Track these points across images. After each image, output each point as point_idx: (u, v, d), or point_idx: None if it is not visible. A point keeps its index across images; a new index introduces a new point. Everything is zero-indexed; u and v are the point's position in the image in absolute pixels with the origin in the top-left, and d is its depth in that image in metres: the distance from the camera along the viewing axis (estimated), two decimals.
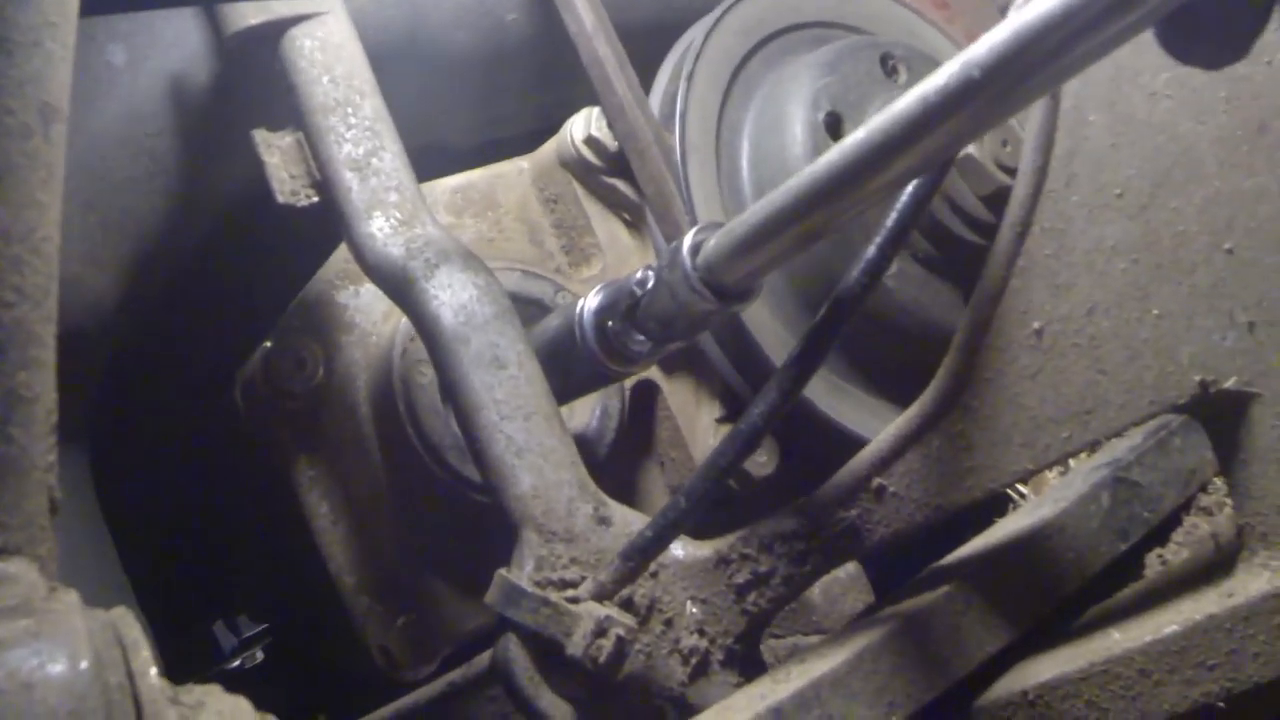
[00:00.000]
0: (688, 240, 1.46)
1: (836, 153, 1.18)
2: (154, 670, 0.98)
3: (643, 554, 1.46)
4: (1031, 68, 0.98)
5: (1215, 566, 1.58)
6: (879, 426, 1.66)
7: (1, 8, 1.07)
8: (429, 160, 1.84)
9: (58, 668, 0.93)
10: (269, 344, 1.90)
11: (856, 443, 1.68)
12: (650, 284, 1.53)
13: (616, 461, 1.95)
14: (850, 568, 1.88)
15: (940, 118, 1.06)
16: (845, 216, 1.26)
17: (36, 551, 1.04)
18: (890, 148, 1.12)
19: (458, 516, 1.89)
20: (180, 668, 1.00)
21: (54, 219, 1.10)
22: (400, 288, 1.62)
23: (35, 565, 1.03)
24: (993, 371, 1.52)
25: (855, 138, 1.15)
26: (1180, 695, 1.51)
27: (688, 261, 1.44)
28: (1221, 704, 1.50)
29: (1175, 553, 1.90)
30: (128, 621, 1.03)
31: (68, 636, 0.96)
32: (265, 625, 2.87)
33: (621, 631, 1.42)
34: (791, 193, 1.25)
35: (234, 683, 1.10)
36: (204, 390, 2.06)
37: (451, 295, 1.58)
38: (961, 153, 1.68)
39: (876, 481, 1.56)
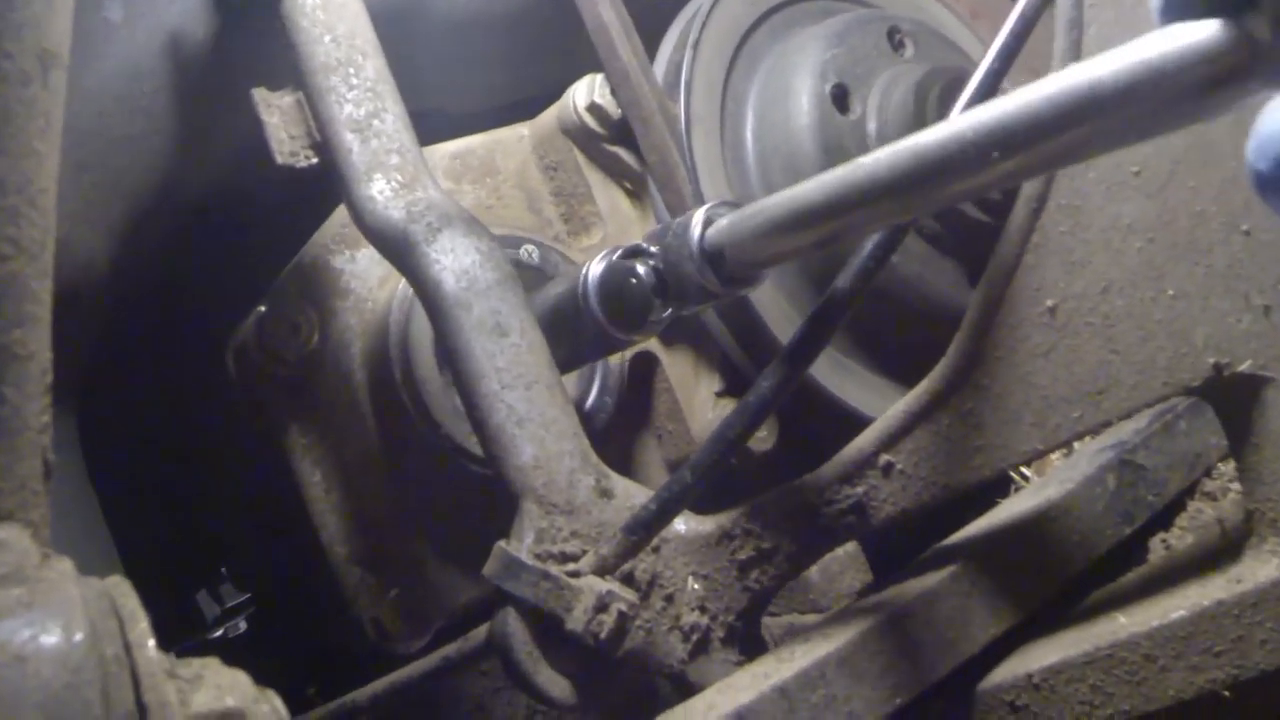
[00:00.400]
0: (699, 216, 1.44)
1: (885, 157, 1.11)
2: (151, 642, 0.96)
3: (646, 528, 1.43)
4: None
5: (1222, 552, 1.58)
6: (881, 404, 1.65)
7: None
8: (429, 125, 1.82)
9: (52, 639, 0.91)
10: (263, 308, 1.87)
11: (858, 420, 1.68)
12: (655, 255, 1.51)
13: (614, 433, 1.94)
14: (849, 546, 1.87)
15: (1007, 150, 1.01)
16: (880, 224, 1.23)
17: (29, 517, 1.01)
18: (945, 169, 1.06)
19: (453, 487, 1.87)
20: (162, 636, 0.97)
21: (52, 170, 1.07)
22: (400, 252, 1.59)
23: (28, 532, 1.01)
24: (1004, 349, 1.50)
25: (917, 142, 1.07)
26: (1186, 681, 1.50)
27: (696, 239, 1.42)
28: (1227, 691, 1.49)
29: (1179, 537, 1.89)
30: (124, 590, 1.00)
31: (62, 606, 0.93)
32: (249, 595, 2.86)
33: (623, 607, 1.40)
34: (823, 190, 1.21)
35: (217, 652, 1.08)
36: (196, 354, 2.04)
37: (453, 260, 1.55)
38: None
39: (884, 458, 1.54)
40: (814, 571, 1.86)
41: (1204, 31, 0.78)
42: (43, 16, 1.06)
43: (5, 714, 0.86)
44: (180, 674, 0.98)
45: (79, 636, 0.91)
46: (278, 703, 1.04)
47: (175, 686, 0.95)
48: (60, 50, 1.08)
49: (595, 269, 1.60)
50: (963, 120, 1.01)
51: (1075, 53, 1.50)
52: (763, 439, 1.92)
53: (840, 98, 1.94)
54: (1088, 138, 0.91)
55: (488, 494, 1.77)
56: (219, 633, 2.87)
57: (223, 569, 2.76)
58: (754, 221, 1.35)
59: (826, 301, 1.44)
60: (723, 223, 1.41)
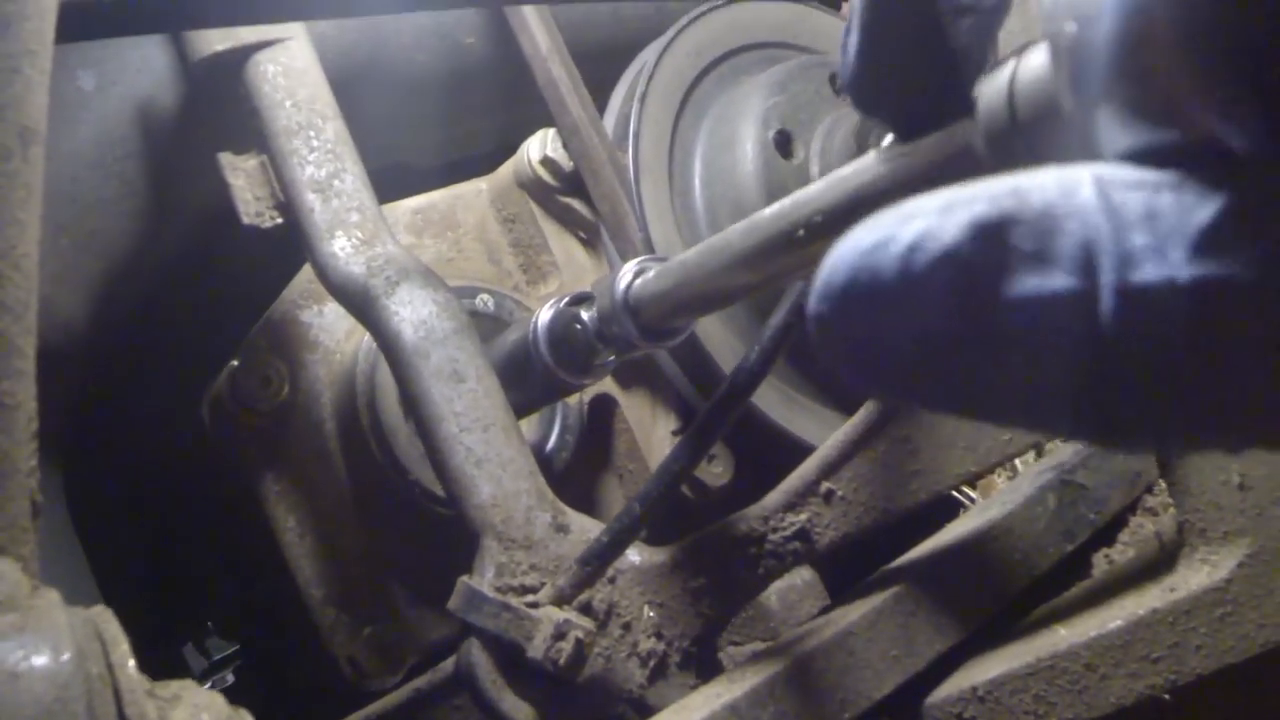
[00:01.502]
0: (626, 272, 1.50)
1: (761, 219, 1.15)
2: (132, 663, 1.02)
3: (600, 559, 1.49)
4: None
5: (1159, 564, 1.63)
6: (829, 435, 1.70)
7: None
8: (391, 181, 1.88)
9: (42, 659, 0.98)
10: (235, 362, 1.93)
11: (808, 451, 1.72)
12: (591, 307, 1.58)
13: (576, 474, 1.99)
14: (806, 573, 1.91)
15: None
16: (769, 284, 1.27)
17: (20, 552, 1.08)
18: (771, 247, 1.13)
19: (421, 529, 1.93)
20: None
21: (33, 236, 1.14)
22: (362, 305, 1.65)
23: (19, 565, 1.07)
24: None
25: (778, 209, 1.12)
26: (1125, 688, 1.55)
27: (620, 294, 1.48)
28: (1166, 695, 1.54)
29: (1121, 552, 1.95)
30: (106, 618, 1.07)
31: (51, 631, 1.00)
32: (235, 647, 2.90)
33: (580, 634, 1.45)
34: (714, 252, 1.26)
35: None
36: (172, 408, 2.09)
37: (412, 311, 1.61)
38: None
39: (825, 486, 1.60)
40: (774, 599, 1.90)
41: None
42: (23, 97, 1.13)
43: None
44: (159, 694, 1.05)
45: (66, 657, 0.98)
46: None
47: (155, 705, 1.02)
48: (39, 127, 1.15)
49: (544, 316, 1.65)
50: (783, 202, 1.08)
51: None
52: (719, 474, 1.98)
53: (783, 144, 2.00)
54: None
55: (454, 534, 1.82)
56: (206, 686, 2.89)
57: (208, 623, 2.79)
58: (665, 279, 1.41)
59: (764, 335, 1.50)
60: (648, 276, 1.46)
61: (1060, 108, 0.63)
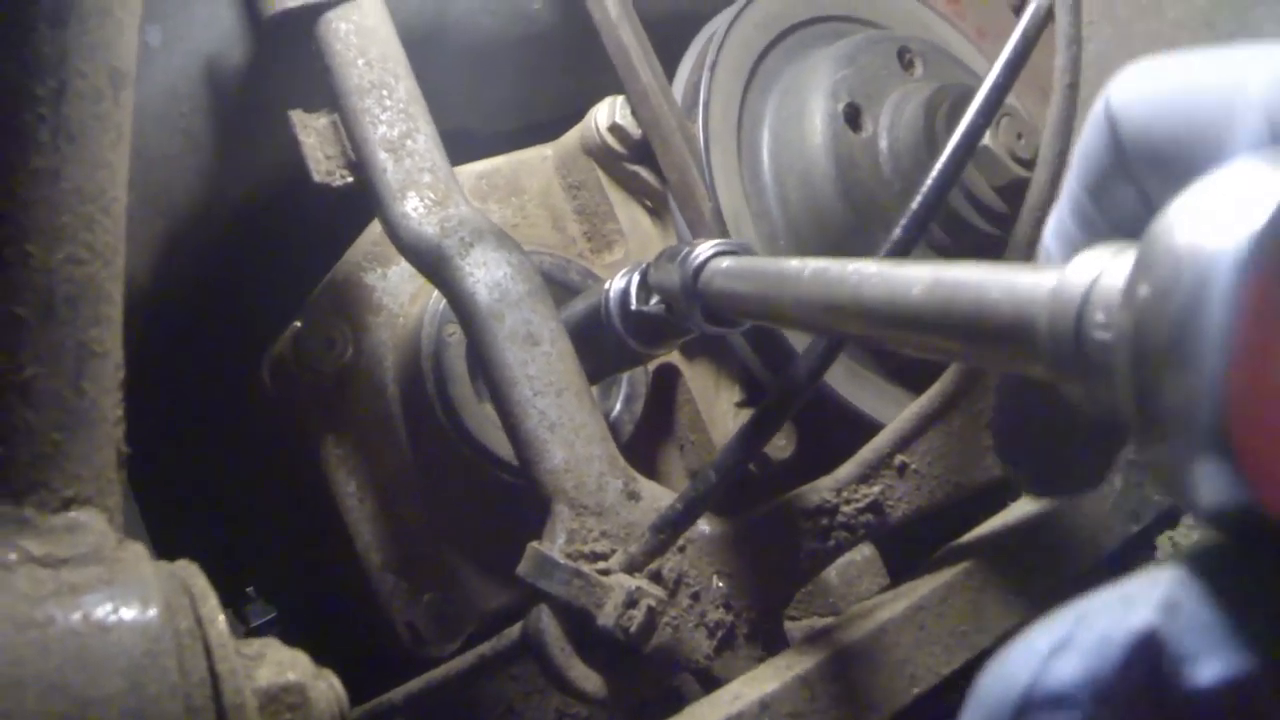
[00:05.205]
0: (699, 254, 1.46)
1: (873, 280, 1.00)
2: (221, 618, 1.01)
3: (673, 527, 1.49)
4: None
5: None
6: (895, 412, 1.69)
7: None
8: (454, 146, 1.86)
9: (131, 612, 0.97)
10: (298, 323, 1.92)
11: (873, 427, 1.71)
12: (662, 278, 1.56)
13: (638, 443, 1.98)
14: (866, 550, 1.90)
15: None
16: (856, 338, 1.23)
17: (106, 503, 1.07)
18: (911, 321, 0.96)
19: (483, 495, 1.92)
20: None
21: (122, 180, 1.13)
22: (435, 266, 1.64)
23: (105, 516, 1.06)
24: None
25: (906, 282, 0.94)
26: None
27: (689, 276, 1.46)
28: None
29: (1186, 535, 1.93)
30: (193, 572, 1.06)
31: (138, 583, 0.99)
32: (274, 614, 2.89)
33: (652, 602, 1.45)
34: (785, 280, 1.21)
35: None
36: (232, 368, 2.08)
37: (486, 273, 1.60)
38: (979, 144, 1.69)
39: (899, 459, 1.59)
40: (833, 576, 1.89)
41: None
42: (114, 39, 1.11)
43: (92, 678, 0.92)
44: (244, 652, 1.04)
45: (154, 611, 0.97)
46: (335, 681, 1.10)
47: (241, 662, 1.01)
48: (128, 69, 1.14)
49: (617, 285, 1.65)
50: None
51: (1075, 69, 1.55)
52: (781, 447, 1.97)
53: (853, 116, 1.98)
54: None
55: (516, 502, 1.81)
56: None
57: (249, 589, 2.78)
58: (729, 281, 1.39)
59: None
60: (720, 267, 1.43)
61: None
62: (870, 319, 0.98)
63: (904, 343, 0.95)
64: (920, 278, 0.87)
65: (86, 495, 1.05)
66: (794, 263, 1.19)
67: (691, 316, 1.48)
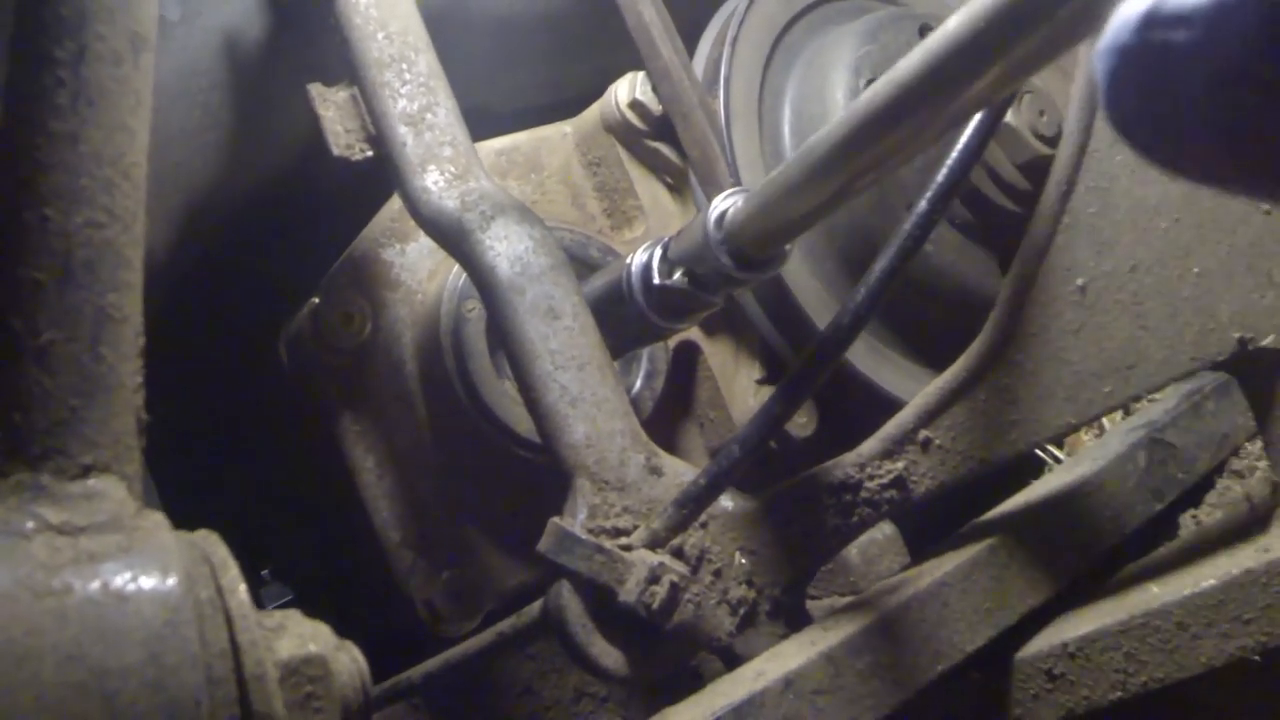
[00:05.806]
0: (714, 207, 1.49)
1: (851, 110, 1.19)
2: (243, 588, 1.00)
3: (696, 502, 1.47)
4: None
5: (1250, 525, 1.61)
6: (917, 390, 1.67)
7: None
8: (474, 123, 1.85)
9: (150, 581, 0.96)
10: (316, 299, 1.91)
11: (895, 405, 1.70)
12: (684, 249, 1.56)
13: (658, 419, 1.97)
14: (887, 529, 1.90)
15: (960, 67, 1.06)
16: (866, 177, 1.26)
17: (125, 470, 1.05)
18: (903, 102, 1.13)
19: (502, 472, 1.92)
20: None
21: (142, 145, 1.12)
22: (455, 240, 1.63)
23: (124, 484, 1.05)
24: (1037, 327, 1.54)
25: (872, 91, 1.16)
26: (1216, 649, 1.54)
27: (712, 228, 1.47)
28: (1257, 657, 1.52)
29: (1209, 513, 1.92)
30: (213, 542, 1.05)
31: (158, 552, 0.98)
32: (289, 598, 2.88)
33: (675, 578, 1.44)
34: (808, 154, 1.27)
35: None
36: (249, 344, 2.07)
37: (507, 246, 1.59)
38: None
39: (923, 434, 1.58)
40: (854, 554, 1.89)
41: None
42: (133, 1, 1.10)
43: (110, 647, 0.91)
44: (265, 623, 1.03)
45: (174, 580, 0.96)
46: (357, 653, 1.09)
47: (262, 634, 1.00)
48: (149, 34, 1.12)
49: (638, 259, 1.64)
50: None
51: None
52: (803, 425, 1.96)
53: None
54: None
55: (535, 479, 1.81)
56: None
57: (263, 572, 2.78)
58: (758, 198, 1.40)
59: (864, 285, 1.48)
60: (736, 207, 1.45)
61: None
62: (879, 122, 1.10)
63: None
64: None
65: (105, 462, 1.03)
66: (786, 162, 1.29)
67: (723, 269, 1.48)
